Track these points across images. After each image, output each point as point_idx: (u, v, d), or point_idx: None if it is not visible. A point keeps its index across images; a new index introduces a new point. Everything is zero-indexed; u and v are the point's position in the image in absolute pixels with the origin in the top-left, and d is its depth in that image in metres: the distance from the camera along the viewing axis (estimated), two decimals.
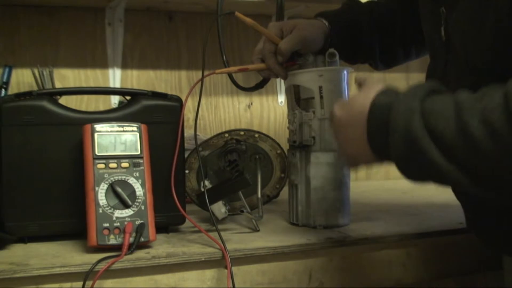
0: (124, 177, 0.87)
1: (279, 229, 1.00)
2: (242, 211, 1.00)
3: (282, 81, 1.06)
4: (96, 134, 0.88)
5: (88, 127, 0.88)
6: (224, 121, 1.59)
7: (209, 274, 0.85)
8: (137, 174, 0.88)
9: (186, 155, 1.01)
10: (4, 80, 1.32)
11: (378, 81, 0.77)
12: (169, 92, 1.02)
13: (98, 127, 0.88)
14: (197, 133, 1.04)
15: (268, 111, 1.64)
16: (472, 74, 0.75)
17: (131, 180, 0.87)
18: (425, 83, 0.71)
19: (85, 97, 1.43)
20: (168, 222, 0.96)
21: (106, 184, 0.86)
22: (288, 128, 1.04)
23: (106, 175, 0.86)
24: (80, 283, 0.76)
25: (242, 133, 1.05)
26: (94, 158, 0.87)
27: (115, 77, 1.47)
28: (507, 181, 0.62)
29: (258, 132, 1.06)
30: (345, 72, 1.01)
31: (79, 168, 0.88)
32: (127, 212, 0.85)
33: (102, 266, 0.77)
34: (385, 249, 0.96)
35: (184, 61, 1.54)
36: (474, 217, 0.86)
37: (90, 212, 0.84)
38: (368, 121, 0.71)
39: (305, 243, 0.90)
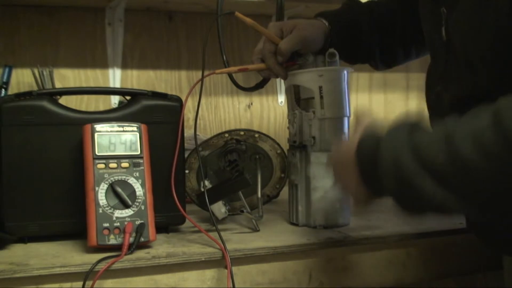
0: (124, 177, 0.87)
1: (279, 229, 1.00)
2: (242, 211, 1.00)
3: (282, 81, 1.06)
4: (96, 134, 0.88)
5: (88, 127, 0.88)
6: (224, 121, 1.59)
7: (209, 274, 0.85)
8: (137, 174, 0.88)
9: (186, 155, 1.01)
10: (4, 80, 1.32)
11: (368, 118, 0.77)
12: (169, 92, 1.02)
13: (98, 127, 0.88)
14: (197, 133, 1.04)
15: (268, 111, 1.64)
16: (472, 74, 0.75)
17: (131, 180, 0.87)
18: (407, 119, 0.71)
19: (85, 97, 1.43)
20: (168, 222, 0.96)
21: (106, 184, 0.86)
22: (288, 128, 1.04)
23: (106, 175, 0.86)
24: (80, 283, 0.76)
25: (242, 133, 1.05)
26: (94, 158, 0.87)
27: (115, 77, 1.47)
28: (508, 200, 0.62)
29: (258, 132, 1.06)
30: (345, 72, 1.01)
31: (79, 168, 0.88)
32: (127, 212, 0.85)
33: (102, 266, 0.77)
34: (385, 249, 0.96)
35: (184, 61, 1.54)
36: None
37: (90, 212, 0.84)
38: (357, 164, 0.72)
39: (305, 243, 0.90)
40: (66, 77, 1.43)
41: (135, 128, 0.90)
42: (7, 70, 1.33)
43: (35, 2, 1.38)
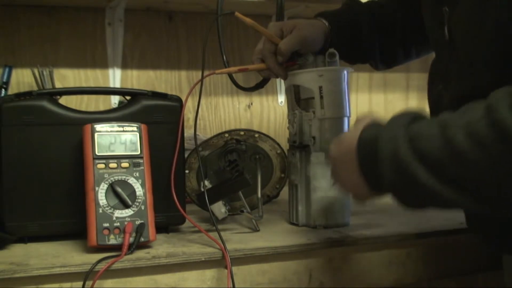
0: (124, 177, 0.87)
1: (279, 229, 1.00)
2: (242, 211, 1.00)
3: (282, 81, 1.06)
4: (96, 134, 0.88)
5: (88, 127, 0.88)
6: (224, 121, 1.59)
7: (209, 274, 0.85)
8: (137, 174, 0.88)
9: (186, 155, 1.01)
10: (4, 80, 1.32)
11: (367, 117, 0.77)
12: (169, 92, 1.02)
13: (98, 127, 0.88)
14: (197, 133, 1.04)
15: (268, 111, 1.64)
16: (473, 74, 0.75)
17: (131, 180, 0.87)
18: (408, 111, 0.72)
19: (85, 97, 1.43)
20: (168, 222, 0.96)
21: (106, 184, 0.86)
22: (288, 128, 1.04)
23: (106, 175, 0.86)
24: (80, 283, 0.76)
25: (242, 133, 1.05)
26: (94, 158, 0.87)
27: (115, 77, 1.47)
28: (503, 191, 0.62)
29: (258, 132, 1.06)
30: (345, 72, 1.01)
31: (79, 168, 0.88)
32: (127, 212, 0.85)
33: (102, 266, 0.77)
34: (385, 249, 0.96)
35: (184, 61, 1.54)
36: (473, 216, 0.86)
37: (90, 212, 0.84)
38: (358, 155, 0.72)
39: (305, 243, 0.90)
40: (66, 77, 1.43)
41: (135, 128, 0.90)
42: (7, 70, 1.33)
43: (35, 2, 1.38)
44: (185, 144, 1.00)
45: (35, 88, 1.32)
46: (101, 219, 0.84)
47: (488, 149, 0.60)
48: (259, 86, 1.11)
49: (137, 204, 0.86)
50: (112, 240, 0.83)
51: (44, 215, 0.90)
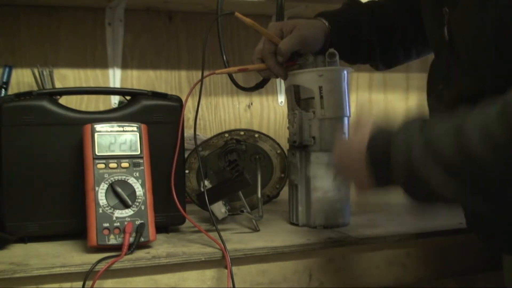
0: (124, 177, 0.87)
1: (279, 229, 1.00)
2: (242, 211, 1.00)
3: (282, 81, 1.06)
4: (96, 134, 0.88)
5: (88, 127, 0.88)
6: (224, 121, 1.59)
7: (209, 274, 0.85)
8: (137, 174, 0.88)
9: (186, 155, 1.01)
10: (4, 80, 1.32)
11: (368, 117, 0.78)
12: (169, 92, 1.02)
13: (98, 127, 0.88)
14: (197, 133, 1.04)
15: (268, 111, 1.64)
16: (475, 74, 0.75)
17: (131, 180, 0.87)
18: (418, 116, 0.73)
19: (85, 97, 1.43)
20: (168, 222, 0.96)
21: (106, 184, 0.86)
22: (288, 128, 1.04)
23: (106, 175, 0.86)
24: (80, 283, 0.76)
25: (242, 133, 1.05)
26: (94, 158, 0.87)
27: (115, 77, 1.47)
28: None
29: (258, 132, 1.06)
30: (345, 72, 1.01)
31: (79, 168, 0.88)
32: (127, 212, 0.85)
33: (102, 266, 0.77)
34: (385, 249, 0.96)
35: (184, 61, 1.54)
36: (473, 215, 0.86)
37: (90, 212, 0.84)
38: (369, 159, 0.72)
39: (305, 243, 0.90)
40: (66, 77, 1.43)
41: (135, 128, 0.90)
42: (7, 70, 1.33)
43: (35, 2, 1.38)
44: (185, 144, 1.00)
45: (35, 88, 1.32)
46: (101, 219, 0.84)
47: (502, 151, 0.60)
48: (259, 86, 1.11)
49: (137, 204, 0.86)
50: (112, 240, 0.83)
51: (44, 215, 0.90)
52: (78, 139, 0.90)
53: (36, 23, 1.40)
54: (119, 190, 0.86)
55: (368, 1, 1.10)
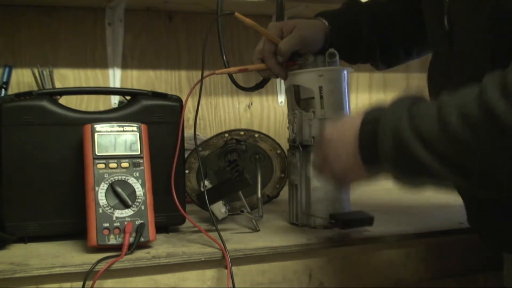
0: (124, 177, 0.87)
1: (279, 229, 1.00)
2: (242, 211, 1.00)
3: (282, 81, 1.06)
4: (96, 134, 0.88)
5: (88, 127, 0.88)
6: (224, 121, 1.59)
7: (209, 274, 0.85)
8: (137, 174, 0.88)
9: (186, 155, 1.01)
10: (4, 80, 1.32)
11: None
12: (169, 92, 1.02)
13: (98, 127, 0.88)
14: (197, 133, 1.04)
15: (268, 111, 1.64)
16: (474, 64, 0.75)
17: (131, 180, 0.87)
18: (409, 94, 0.74)
19: (85, 97, 1.43)
20: (168, 222, 0.96)
21: (106, 184, 0.86)
22: (288, 128, 1.04)
23: (106, 175, 0.86)
24: (80, 283, 0.76)
25: (242, 133, 1.05)
26: (94, 158, 0.87)
27: (115, 77, 1.47)
28: (491, 170, 0.64)
29: (258, 132, 1.06)
30: (345, 72, 1.01)
31: (79, 168, 0.88)
32: (127, 212, 0.85)
33: (102, 266, 0.77)
34: (385, 249, 0.96)
35: (184, 61, 1.54)
36: (474, 214, 0.86)
37: (90, 212, 0.84)
38: (360, 135, 0.73)
39: (305, 243, 0.90)
40: (66, 77, 1.43)
41: (135, 128, 0.90)
42: (7, 70, 1.33)
43: (35, 2, 1.38)
44: (185, 144, 1.00)
45: (35, 88, 1.32)
46: (101, 219, 0.84)
47: (477, 131, 0.62)
48: (259, 86, 1.11)
49: (137, 204, 0.86)
50: (112, 240, 0.83)
51: (44, 215, 0.90)
52: (78, 139, 0.90)
53: (36, 23, 1.40)
54: (119, 190, 0.86)
55: (368, 1, 1.10)
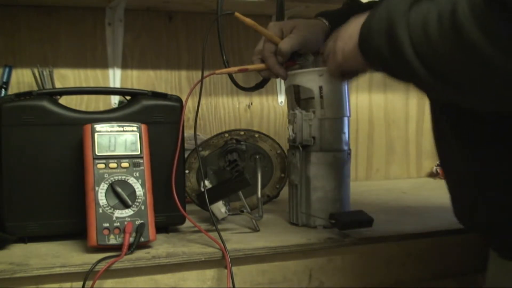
0: (124, 177, 0.87)
1: (279, 229, 1.00)
2: (242, 211, 1.00)
3: (282, 81, 1.06)
4: (96, 134, 0.88)
5: (88, 127, 0.88)
6: (224, 121, 1.59)
7: (209, 274, 0.85)
8: (137, 174, 0.88)
9: (186, 155, 1.01)
10: (4, 80, 1.32)
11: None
12: (169, 92, 1.02)
13: (98, 127, 0.88)
14: (197, 133, 1.04)
15: (268, 111, 1.64)
16: None
17: (131, 180, 0.87)
18: None
19: (85, 97, 1.43)
20: (168, 222, 0.96)
21: (106, 184, 0.86)
22: (288, 128, 1.04)
23: (106, 175, 0.86)
24: (80, 283, 0.76)
25: (242, 133, 1.05)
26: (94, 158, 0.87)
27: (115, 77, 1.47)
28: (459, 82, 0.64)
29: (258, 132, 1.06)
30: None
31: (79, 168, 0.88)
32: (127, 212, 0.85)
33: (102, 266, 0.77)
34: (385, 249, 0.96)
35: (184, 61, 1.54)
36: (460, 207, 0.85)
37: (90, 212, 0.84)
38: (362, 27, 0.75)
39: (305, 243, 0.91)
40: (66, 77, 1.43)
41: (135, 128, 0.90)
42: (7, 70, 1.33)
43: (35, 2, 1.38)
44: (185, 144, 1.00)
45: (35, 88, 1.32)
46: (101, 219, 0.84)
47: (444, 30, 0.62)
48: (259, 86, 1.11)
49: (137, 204, 0.86)
50: (112, 240, 0.83)
51: (44, 215, 0.90)
52: (78, 139, 0.90)
53: (36, 23, 1.40)
54: (119, 190, 0.86)
55: (368, 1, 1.10)
